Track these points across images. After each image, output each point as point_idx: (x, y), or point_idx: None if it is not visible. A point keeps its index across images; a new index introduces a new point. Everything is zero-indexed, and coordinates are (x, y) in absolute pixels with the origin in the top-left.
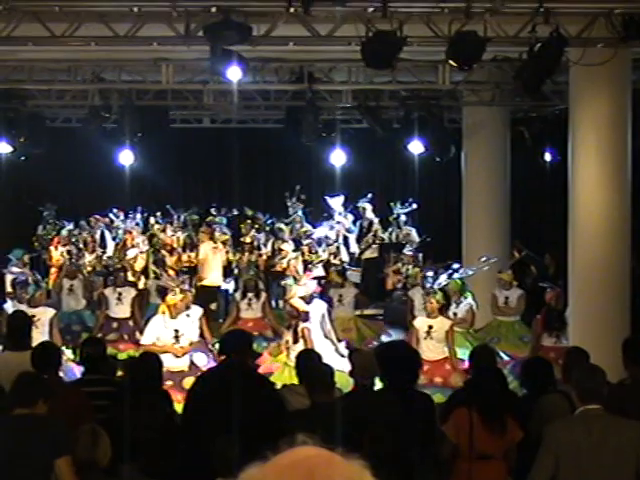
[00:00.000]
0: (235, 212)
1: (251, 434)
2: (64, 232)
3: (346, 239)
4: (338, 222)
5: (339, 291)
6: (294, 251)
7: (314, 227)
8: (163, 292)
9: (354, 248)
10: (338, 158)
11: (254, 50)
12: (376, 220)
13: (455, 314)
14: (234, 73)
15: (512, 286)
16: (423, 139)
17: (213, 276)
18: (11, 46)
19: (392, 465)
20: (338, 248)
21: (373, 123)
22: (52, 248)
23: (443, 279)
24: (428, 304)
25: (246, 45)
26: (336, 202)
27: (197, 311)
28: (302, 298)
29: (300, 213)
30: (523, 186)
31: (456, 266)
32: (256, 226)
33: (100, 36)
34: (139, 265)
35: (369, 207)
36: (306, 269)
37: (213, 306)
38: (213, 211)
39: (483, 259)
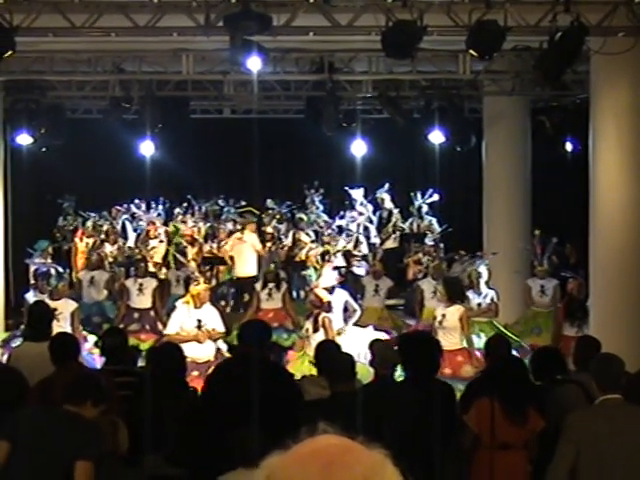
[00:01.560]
0: (243, 203)
1: (268, 423)
2: (89, 223)
3: (367, 229)
4: (361, 213)
5: (376, 281)
6: (314, 241)
7: (331, 217)
8: (187, 282)
9: (374, 238)
10: (358, 148)
11: (274, 40)
12: (395, 210)
13: (479, 304)
14: (254, 63)
15: (547, 275)
16: (443, 129)
17: (241, 267)
18: (31, 37)
19: (413, 455)
20: (358, 239)
21: (393, 113)
22: (77, 240)
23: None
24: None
25: (266, 35)
26: (357, 193)
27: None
28: (325, 288)
29: (317, 203)
30: (544, 176)
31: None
32: (277, 217)
33: (120, 27)
34: (158, 256)
35: (387, 197)
36: (325, 259)
37: (246, 297)
38: (220, 202)
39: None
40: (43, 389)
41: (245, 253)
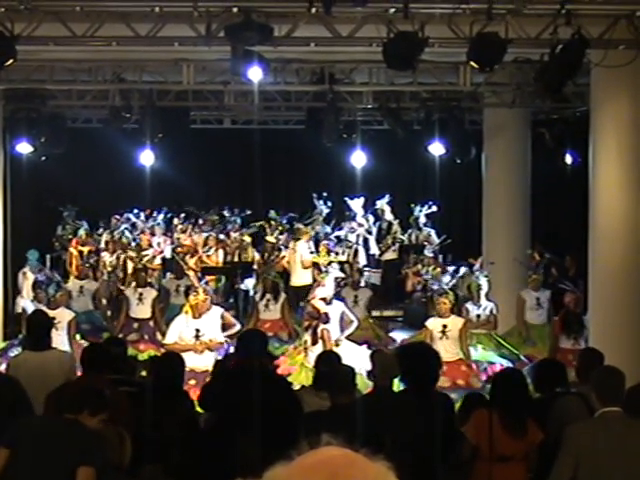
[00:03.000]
0: (248, 212)
1: (267, 433)
2: (81, 232)
3: (366, 240)
4: (360, 224)
5: (355, 292)
6: (312, 253)
7: (332, 229)
8: (187, 292)
9: (374, 249)
10: (358, 159)
11: (275, 51)
12: (395, 221)
13: (478, 316)
14: (255, 74)
15: (540, 285)
16: (444, 140)
17: (295, 277)
18: (32, 46)
19: (412, 466)
20: (357, 250)
21: (394, 124)
22: (72, 249)
23: (448, 280)
24: (440, 305)
25: (267, 46)
26: (356, 204)
27: (217, 311)
28: (323, 299)
29: (324, 214)
30: (544, 188)
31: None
32: (280, 228)
33: (121, 36)
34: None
35: (387, 208)
36: (320, 270)
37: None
38: (226, 212)
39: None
40: (52, 398)
41: (298, 263)
